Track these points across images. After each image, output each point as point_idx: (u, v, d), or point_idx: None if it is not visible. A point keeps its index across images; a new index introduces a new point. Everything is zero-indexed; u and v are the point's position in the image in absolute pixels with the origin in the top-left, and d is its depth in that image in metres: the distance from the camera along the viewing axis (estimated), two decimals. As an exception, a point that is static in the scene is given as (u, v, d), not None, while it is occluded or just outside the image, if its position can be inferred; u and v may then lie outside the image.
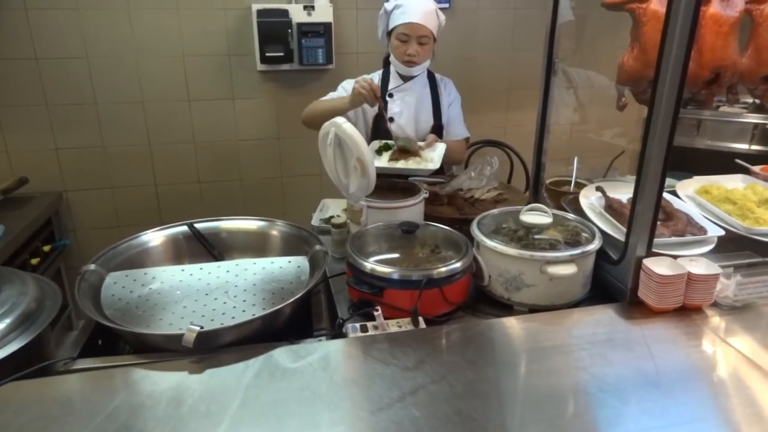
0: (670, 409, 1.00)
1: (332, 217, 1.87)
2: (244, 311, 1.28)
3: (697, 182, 1.78)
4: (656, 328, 1.26)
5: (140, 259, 1.49)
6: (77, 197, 3.03)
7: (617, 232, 1.45)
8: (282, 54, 2.90)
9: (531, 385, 1.08)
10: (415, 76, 2.27)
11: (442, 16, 2.24)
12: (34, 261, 2.55)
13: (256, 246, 1.59)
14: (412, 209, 1.66)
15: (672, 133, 1.22)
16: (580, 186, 1.82)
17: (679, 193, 1.70)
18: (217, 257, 1.57)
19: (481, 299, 1.45)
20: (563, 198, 1.78)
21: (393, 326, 1.26)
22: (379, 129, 2.27)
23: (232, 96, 3.07)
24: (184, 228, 1.59)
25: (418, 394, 1.02)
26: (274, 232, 1.60)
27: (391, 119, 2.27)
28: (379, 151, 2.07)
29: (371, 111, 2.27)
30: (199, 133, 3.09)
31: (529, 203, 1.66)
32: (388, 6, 2.20)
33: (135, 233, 1.55)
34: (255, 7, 2.86)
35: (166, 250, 1.55)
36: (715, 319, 1.30)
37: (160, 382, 1.06)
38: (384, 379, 1.06)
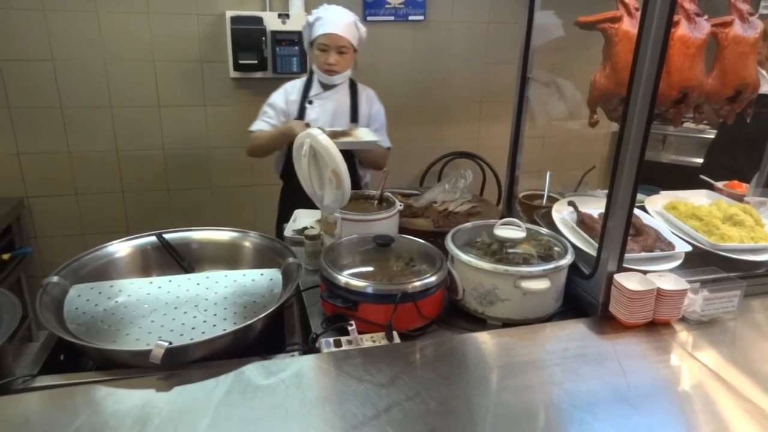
0: (640, 425, 1.01)
1: (305, 228, 1.84)
2: (214, 326, 1.25)
3: (664, 198, 1.82)
4: (627, 343, 1.27)
5: (106, 271, 1.44)
6: (40, 204, 2.93)
7: (589, 246, 1.46)
8: (256, 61, 2.88)
9: (504, 401, 1.08)
10: (336, 84, 2.36)
11: (363, 28, 2.33)
12: (-7, 270, 2.45)
13: (227, 258, 1.56)
14: (386, 222, 1.65)
15: (643, 150, 1.24)
16: (552, 200, 1.84)
17: (648, 208, 1.73)
18: (187, 269, 1.53)
19: (455, 313, 1.45)
20: (536, 212, 1.80)
21: (367, 341, 1.25)
22: None
23: (204, 103, 3.02)
24: (153, 238, 1.55)
25: (392, 411, 1.01)
26: (247, 244, 1.57)
27: (308, 125, 2.29)
28: None
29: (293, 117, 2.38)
30: (168, 139, 3.03)
31: (503, 216, 1.67)
32: (310, 18, 2.30)
33: (100, 242, 1.49)
34: (229, 13, 2.83)
35: (134, 262, 1.51)
36: (683, 334, 1.32)
37: (124, 401, 1.02)
38: (358, 397, 1.05)
